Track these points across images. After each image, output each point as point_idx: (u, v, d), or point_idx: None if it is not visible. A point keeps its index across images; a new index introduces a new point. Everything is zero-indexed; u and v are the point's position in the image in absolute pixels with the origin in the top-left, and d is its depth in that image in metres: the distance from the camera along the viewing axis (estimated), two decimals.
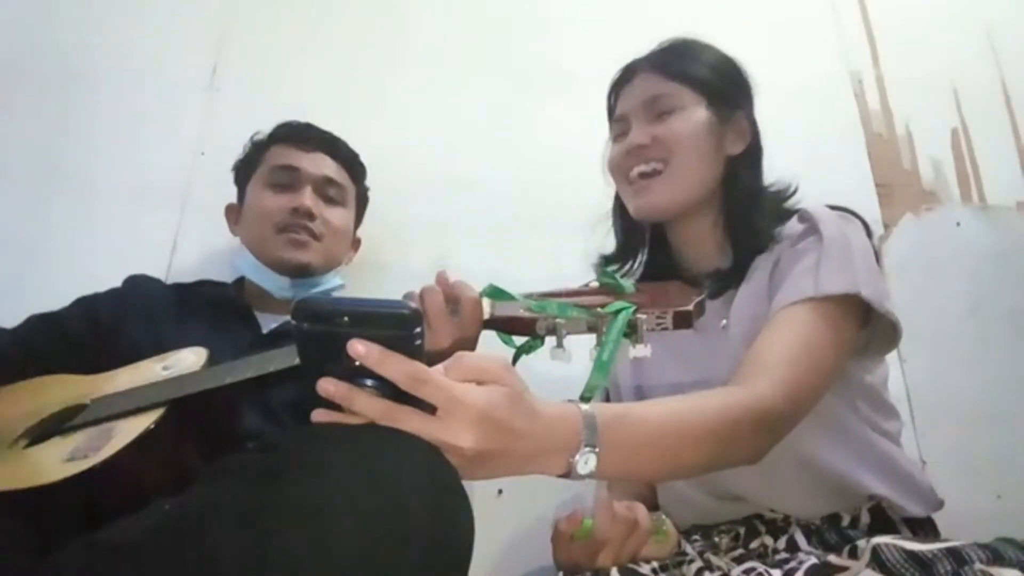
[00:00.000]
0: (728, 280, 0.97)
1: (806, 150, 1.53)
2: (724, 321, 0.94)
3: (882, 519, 0.87)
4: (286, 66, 1.57)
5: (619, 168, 1.04)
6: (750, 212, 0.98)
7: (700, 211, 1.01)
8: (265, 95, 1.53)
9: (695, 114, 0.99)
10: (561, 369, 0.79)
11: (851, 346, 0.88)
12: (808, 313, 0.84)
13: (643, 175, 1.00)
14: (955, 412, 1.41)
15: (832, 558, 0.65)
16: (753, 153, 1.03)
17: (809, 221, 0.93)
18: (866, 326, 0.90)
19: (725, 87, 1.02)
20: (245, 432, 0.96)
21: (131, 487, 0.78)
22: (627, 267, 1.10)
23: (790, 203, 1.02)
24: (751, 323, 0.89)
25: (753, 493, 0.91)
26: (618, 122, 1.06)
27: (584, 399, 0.68)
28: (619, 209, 1.12)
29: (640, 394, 1.05)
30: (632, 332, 0.75)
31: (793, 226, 0.95)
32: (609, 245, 1.14)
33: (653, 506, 1.02)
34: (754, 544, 0.86)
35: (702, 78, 1.01)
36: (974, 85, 1.70)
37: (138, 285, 1.20)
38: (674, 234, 1.06)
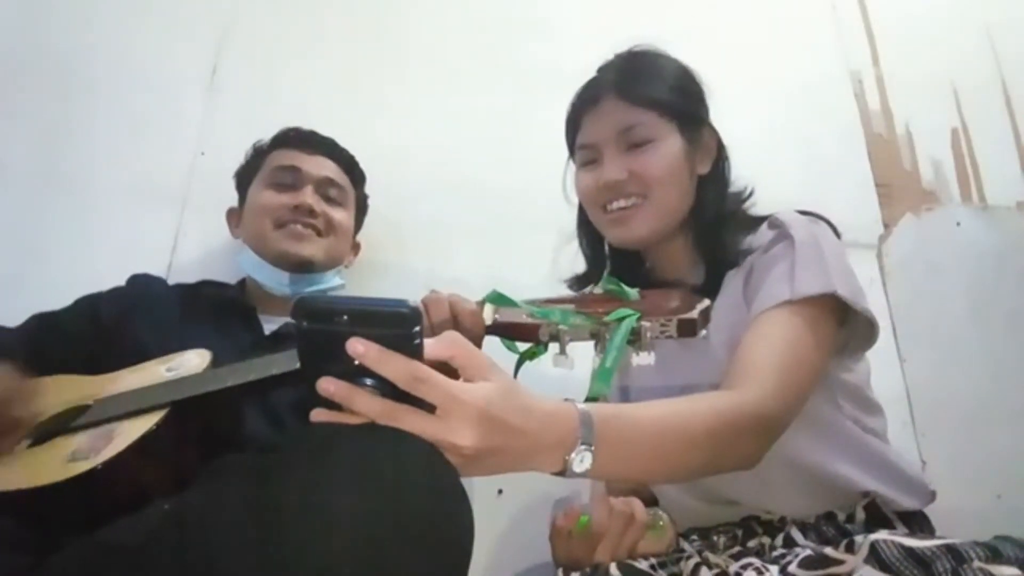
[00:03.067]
0: (703, 295, 0.97)
1: (806, 150, 1.54)
2: (704, 331, 0.94)
3: (877, 515, 0.87)
4: (286, 66, 1.57)
5: (594, 200, 1.02)
6: (720, 229, 0.98)
7: (673, 233, 1.01)
8: (265, 96, 1.54)
9: (670, 145, 0.98)
10: (561, 371, 0.79)
11: (831, 345, 0.89)
12: (787, 316, 0.85)
13: (621, 208, 0.99)
14: (955, 412, 1.41)
15: (828, 551, 0.65)
16: (720, 167, 1.04)
17: (780, 227, 0.94)
18: (844, 325, 0.91)
19: (691, 105, 1.01)
20: (246, 434, 0.97)
21: (132, 488, 0.78)
22: (592, 285, 1.10)
23: (748, 204, 1.03)
24: (730, 331, 0.90)
25: (746, 497, 0.91)
26: (585, 149, 1.03)
27: None
28: (584, 227, 1.12)
29: (625, 396, 1.06)
30: (636, 340, 0.75)
31: (764, 233, 0.96)
32: None
33: (650, 502, 1.02)
34: (752, 543, 0.86)
35: (671, 102, 0.99)
36: (974, 85, 1.70)
37: (142, 284, 1.21)
38: (646, 257, 1.07)
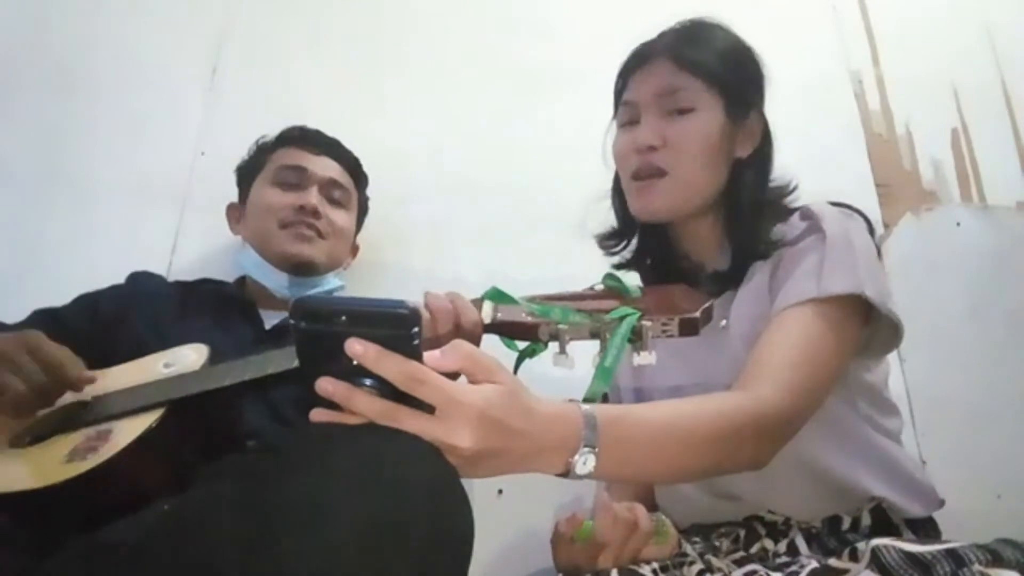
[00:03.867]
0: (726, 283, 0.95)
1: (806, 150, 1.53)
2: (724, 321, 0.93)
3: (883, 521, 0.86)
4: (286, 66, 1.57)
5: (625, 160, 1.00)
6: (753, 218, 0.95)
7: (702, 212, 0.99)
8: (265, 96, 1.54)
9: (710, 119, 0.95)
10: (563, 371, 0.79)
11: (854, 347, 0.87)
12: (811, 315, 0.83)
13: (649, 175, 0.96)
14: (955, 412, 1.41)
15: (832, 561, 0.64)
16: (761, 155, 1.00)
17: (811, 219, 0.91)
18: (868, 325, 0.89)
19: (742, 84, 0.98)
20: (246, 431, 0.96)
21: (131, 488, 0.78)
22: (622, 245, 1.08)
23: (789, 199, 1.00)
24: (751, 323, 0.89)
25: (751, 493, 0.90)
26: (627, 107, 1.00)
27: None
28: (618, 191, 1.09)
29: (640, 396, 1.04)
30: (636, 339, 0.75)
31: (795, 224, 0.93)
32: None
33: (653, 507, 1.02)
34: (754, 548, 0.86)
35: (721, 74, 0.96)
36: (974, 85, 1.70)
37: (141, 281, 1.21)
38: (673, 231, 1.04)
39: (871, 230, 0.95)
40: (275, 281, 1.21)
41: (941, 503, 0.93)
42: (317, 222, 1.22)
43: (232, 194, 1.33)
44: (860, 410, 0.92)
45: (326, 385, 0.55)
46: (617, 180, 1.08)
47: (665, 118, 0.96)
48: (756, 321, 0.88)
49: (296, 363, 0.58)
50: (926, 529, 0.90)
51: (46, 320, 1.11)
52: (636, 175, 0.98)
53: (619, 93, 1.05)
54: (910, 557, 0.59)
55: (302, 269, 1.21)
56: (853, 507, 0.87)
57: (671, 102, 0.96)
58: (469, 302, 0.85)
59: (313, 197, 1.22)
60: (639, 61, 1.01)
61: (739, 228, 0.96)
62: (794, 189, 1.01)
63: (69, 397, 0.94)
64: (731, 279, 0.95)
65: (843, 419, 0.90)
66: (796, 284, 0.86)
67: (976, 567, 0.56)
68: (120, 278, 1.21)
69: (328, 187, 1.25)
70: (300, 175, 1.24)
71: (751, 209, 0.96)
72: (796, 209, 0.96)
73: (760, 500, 0.90)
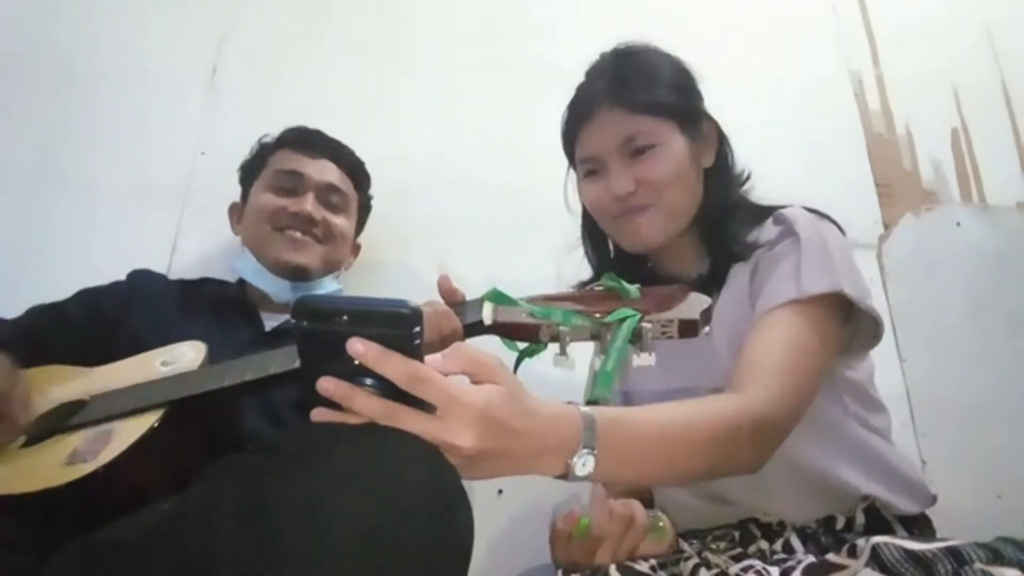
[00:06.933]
0: (707, 287, 0.95)
1: (806, 150, 1.54)
2: (707, 327, 0.94)
3: (877, 519, 0.87)
4: (286, 66, 1.57)
5: (602, 208, 1.01)
6: (726, 221, 0.98)
7: (684, 229, 1.01)
8: (265, 95, 1.54)
9: (673, 146, 0.96)
10: (563, 372, 0.79)
11: (837, 344, 0.88)
12: (793, 316, 0.84)
13: (635, 212, 0.98)
14: (955, 412, 1.41)
15: (831, 556, 0.65)
16: (723, 158, 1.03)
17: (785, 223, 0.93)
18: (848, 323, 0.90)
19: (688, 102, 1.00)
20: (246, 432, 0.96)
21: (131, 488, 0.78)
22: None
23: (747, 187, 1.02)
24: (733, 328, 0.90)
25: (744, 497, 0.91)
26: (588, 162, 1.01)
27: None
28: (588, 232, 1.11)
29: (627, 399, 1.06)
30: (636, 340, 0.75)
31: (769, 229, 0.95)
32: None
33: (649, 503, 1.02)
34: (751, 549, 0.86)
35: (668, 104, 0.97)
36: (974, 85, 1.70)
37: (142, 279, 1.21)
38: (654, 253, 1.06)
39: (842, 232, 0.97)
40: (272, 285, 1.21)
41: (933, 499, 0.93)
42: (314, 228, 1.21)
43: (232, 193, 1.33)
44: (848, 408, 0.93)
45: (327, 384, 0.55)
46: (586, 226, 1.11)
47: (630, 161, 0.97)
48: (738, 326, 0.89)
49: (297, 363, 0.58)
50: (920, 526, 0.90)
51: (45, 314, 1.11)
52: (619, 218, 0.99)
53: (570, 147, 1.05)
54: (911, 555, 0.59)
55: (296, 275, 1.20)
56: (845, 507, 0.88)
57: (631, 147, 0.97)
58: (448, 308, 0.85)
59: (308, 204, 1.21)
60: (584, 115, 1.01)
61: (715, 232, 0.99)
62: (748, 177, 1.03)
63: (66, 394, 0.94)
64: (712, 282, 0.97)
65: (831, 418, 0.91)
66: (776, 287, 0.87)
67: (977, 565, 0.57)
68: (120, 278, 1.21)
69: (325, 192, 1.24)
70: (296, 180, 1.23)
71: (723, 211, 0.99)
72: (770, 211, 0.98)
73: (753, 504, 0.91)
